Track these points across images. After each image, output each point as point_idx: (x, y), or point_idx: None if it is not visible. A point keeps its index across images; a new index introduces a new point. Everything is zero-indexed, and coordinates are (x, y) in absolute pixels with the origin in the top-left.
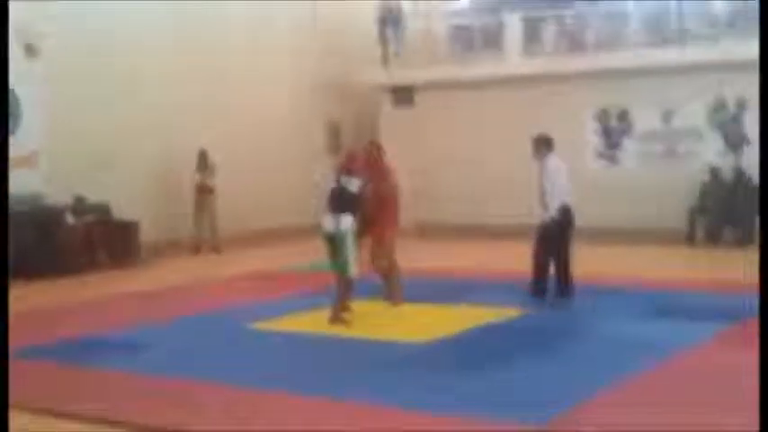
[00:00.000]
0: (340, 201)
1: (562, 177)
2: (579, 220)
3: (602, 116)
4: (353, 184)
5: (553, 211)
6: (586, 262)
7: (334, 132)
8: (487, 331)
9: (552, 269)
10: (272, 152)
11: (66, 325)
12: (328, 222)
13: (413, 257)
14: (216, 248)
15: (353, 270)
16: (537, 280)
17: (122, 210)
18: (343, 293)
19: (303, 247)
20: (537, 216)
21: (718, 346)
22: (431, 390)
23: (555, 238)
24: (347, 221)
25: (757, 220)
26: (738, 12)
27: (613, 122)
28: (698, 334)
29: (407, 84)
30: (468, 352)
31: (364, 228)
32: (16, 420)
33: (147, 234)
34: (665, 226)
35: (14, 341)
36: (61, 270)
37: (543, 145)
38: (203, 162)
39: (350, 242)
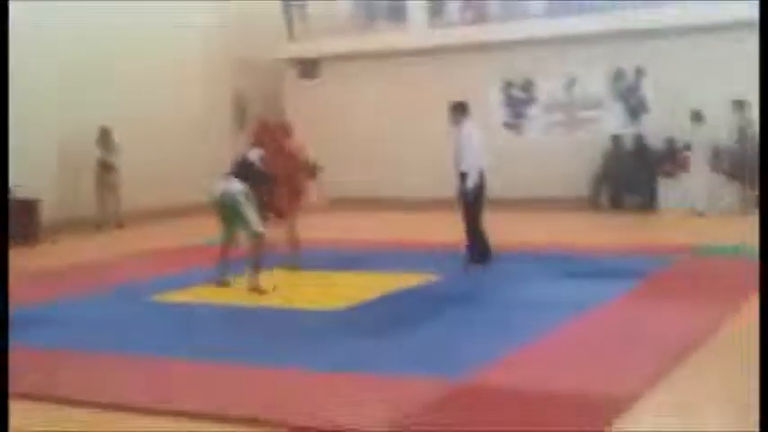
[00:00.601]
0: (238, 168)
1: (477, 142)
2: (486, 190)
3: (507, 87)
4: (255, 154)
5: (474, 175)
6: (495, 230)
7: (241, 107)
8: (400, 297)
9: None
10: (178, 128)
11: None
12: (215, 187)
13: (322, 229)
14: (119, 225)
15: (258, 227)
16: (474, 246)
17: (23, 188)
18: (257, 257)
19: (209, 223)
20: (455, 186)
21: (629, 301)
22: (344, 353)
23: (476, 204)
24: (236, 185)
25: (657, 186)
26: None
27: (518, 93)
28: (609, 291)
29: (313, 57)
30: (380, 317)
31: (267, 199)
32: None
33: (49, 211)
34: (571, 194)
35: None
36: None
37: (459, 111)
38: (105, 139)
39: (243, 201)
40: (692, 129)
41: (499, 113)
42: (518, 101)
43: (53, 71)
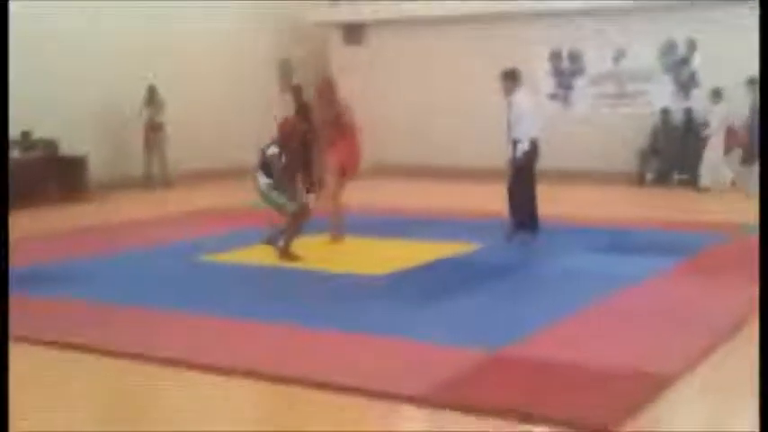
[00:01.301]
0: (260, 162)
1: (530, 111)
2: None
3: (554, 57)
4: (270, 149)
5: (525, 144)
6: (539, 202)
7: (287, 71)
8: (440, 266)
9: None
10: (224, 89)
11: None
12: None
13: (367, 195)
14: (167, 183)
15: (291, 206)
16: (519, 215)
17: (71, 145)
18: (291, 229)
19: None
20: (507, 153)
21: (673, 277)
22: (381, 318)
23: (528, 173)
24: (262, 179)
25: (702, 163)
26: None
27: (565, 63)
28: (652, 267)
29: (359, 21)
30: (420, 285)
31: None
32: None
33: (96, 170)
34: (616, 168)
35: None
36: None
37: (510, 79)
38: (152, 97)
39: (268, 192)
40: (710, 106)
41: (545, 84)
42: (565, 72)
43: (102, 29)
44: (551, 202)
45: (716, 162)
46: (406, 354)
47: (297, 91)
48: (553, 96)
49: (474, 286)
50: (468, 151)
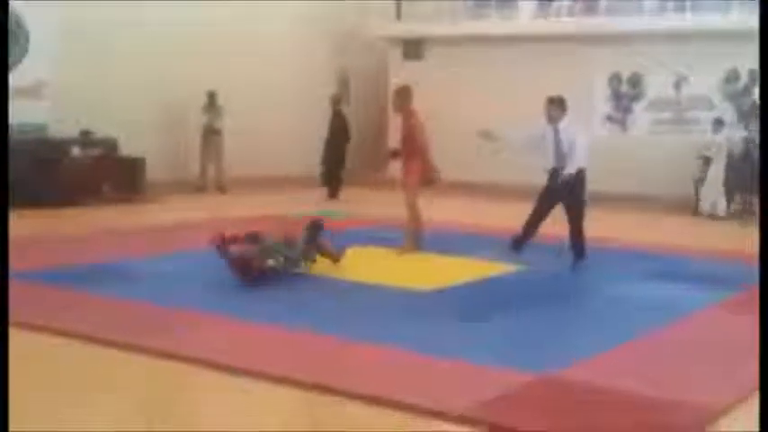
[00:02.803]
0: None
1: (584, 143)
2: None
3: (614, 80)
4: None
5: (572, 170)
6: (592, 226)
7: (344, 82)
8: (488, 284)
9: (567, 229)
10: (282, 98)
11: (69, 252)
12: None
13: (424, 211)
14: (221, 189)
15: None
16: (520, 236)
17: (130, 146)
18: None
19: (308, 194)
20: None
21: (724, 308)
22: (427, 335)
23: (576, 201)
24: None
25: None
26: None
27: (625, 87)
28: (704, 297)
29: (418, 37)
30: (466, 302)
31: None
32: (15, 338)
33: (153, 171)
34: (671, 194)
35: (16, 264)
36: (65, 202)
37: (557, 106)
38: (212, 103)
39: None
40: (712, 136)
41: (603, 106)
42: (624, 95)
43: (163, 35)
44: (604, 226)
45: (710, 191)
46: (454, 372)
47: (335, 100)
48: (610, 119)
49: (523, 307)
50: (523, 170)
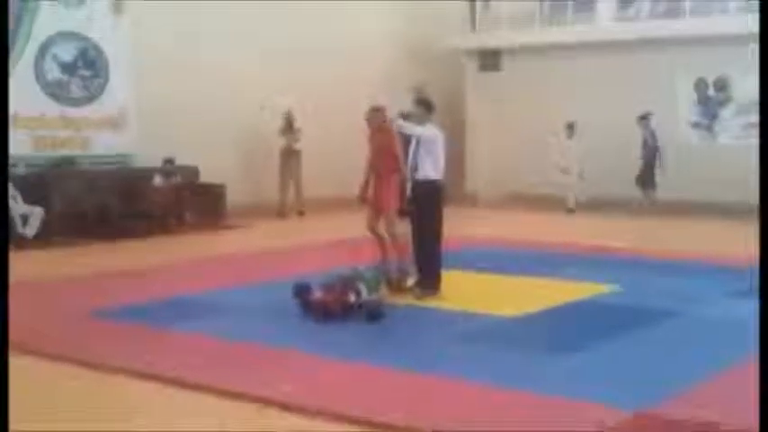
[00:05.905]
0: None
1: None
2: (670, 193)
3: (700, 85)
4: None
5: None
6: (682, 236)
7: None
8: (574, 308)
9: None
10: (360, 116)
11: (155, 285)
12: None
13: (494, 226)
14: (300, 212)
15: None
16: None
17: (210, 172)
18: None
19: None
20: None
21: None
22: (508, 366)
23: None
24: None
25: None
26: None
27: (711, 91)
28: None
29: (494, 48)
30: (550, 329)
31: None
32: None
33: (233, 196)
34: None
35: (94, 301)
36: (148, 231)
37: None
38: (289, 125)
39: None
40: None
41: (689, 112)
42: (711, 100)
43: (244, 55)
44: (696, 238)
45: None
46: (528, 407)
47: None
48: (696, 125)
49: (613, 334)
50: (606, 182)
